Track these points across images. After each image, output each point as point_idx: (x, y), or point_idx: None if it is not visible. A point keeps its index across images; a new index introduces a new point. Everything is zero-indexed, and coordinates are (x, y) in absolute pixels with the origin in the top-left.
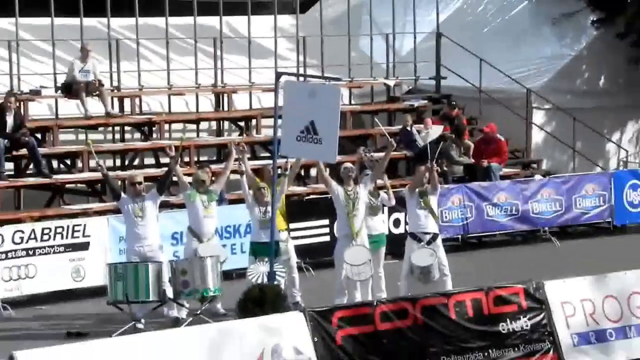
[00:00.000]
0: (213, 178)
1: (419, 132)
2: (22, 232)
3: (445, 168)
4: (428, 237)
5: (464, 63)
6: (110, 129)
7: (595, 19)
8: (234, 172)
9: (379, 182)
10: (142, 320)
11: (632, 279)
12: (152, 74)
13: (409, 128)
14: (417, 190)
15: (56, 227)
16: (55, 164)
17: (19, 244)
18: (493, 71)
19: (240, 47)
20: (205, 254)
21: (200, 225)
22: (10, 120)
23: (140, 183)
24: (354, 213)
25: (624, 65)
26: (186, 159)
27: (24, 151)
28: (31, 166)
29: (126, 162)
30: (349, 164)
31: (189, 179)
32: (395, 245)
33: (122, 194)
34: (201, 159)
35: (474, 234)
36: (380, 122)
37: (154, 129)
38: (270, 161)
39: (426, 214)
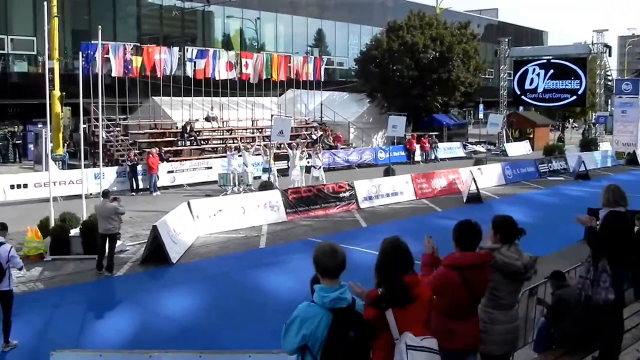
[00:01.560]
0: (249, 146)
1: (315, 134)
2: (192, 162)
3: (323, 145)
4: (318, 166)
5: (331, 112)
6: (218, 132)
7: (368, 100)
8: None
9: (304, 148)
10: (229, 192)
11: (379, 181)
12: (231, 114)
13: (312, 133)
14: (314, 151)
15: (201, 161)
16: (202, 142)
17: (190, 166)
18: (338, 116)
19: (260, 106)
20: (248, 171)
21: (247, 161)
22: (188, 128)
23: (230, 147)
24: (295, 158)
25: (378, 115)
26: (242, 142)
27: (192, 139)
28: (195, 143)
29: (224, 141)
30: (294, 143)
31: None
32: (307, 169)
33: (227, 152)
34: (247, 141)
35: (332, 166)
36: (303, 131)
37: (232, 132)
38: (269, 142)
39: (317, 159)
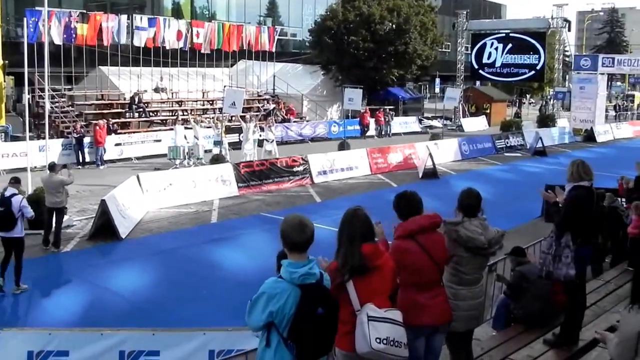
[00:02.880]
0: (199, 119)
1: (267, 106)
2: (140, 135)
3: (277, 118)
4: (271, 140)
5: (284, 85)
6: (167, 103)
7: (322, 72)
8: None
9: (257, 122)
10: (178, 165)
11: (334, 155)
12: (181, 85)
13: (264, 105)
14: (267, 124)
15: (150, 133)
16: (151, 114)
17: (138, 139)
18: (292, 88)
19: (211, 77)
20: (199, 144)
21: (198, 134)
22: (136, 99)
23: (178, 119)
24: (249, 132)
25: (332, 88)
26: (193, 114)
27: (140, 110)
28: (143, 115)
29: (172, 113)
30: (247, 116)
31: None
32: (260, 143)
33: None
34: (197, 113)
35: (285, 140)
36: (255, 104)
37: (182, 103)
38: (221, 114)
39: (270, 132)
